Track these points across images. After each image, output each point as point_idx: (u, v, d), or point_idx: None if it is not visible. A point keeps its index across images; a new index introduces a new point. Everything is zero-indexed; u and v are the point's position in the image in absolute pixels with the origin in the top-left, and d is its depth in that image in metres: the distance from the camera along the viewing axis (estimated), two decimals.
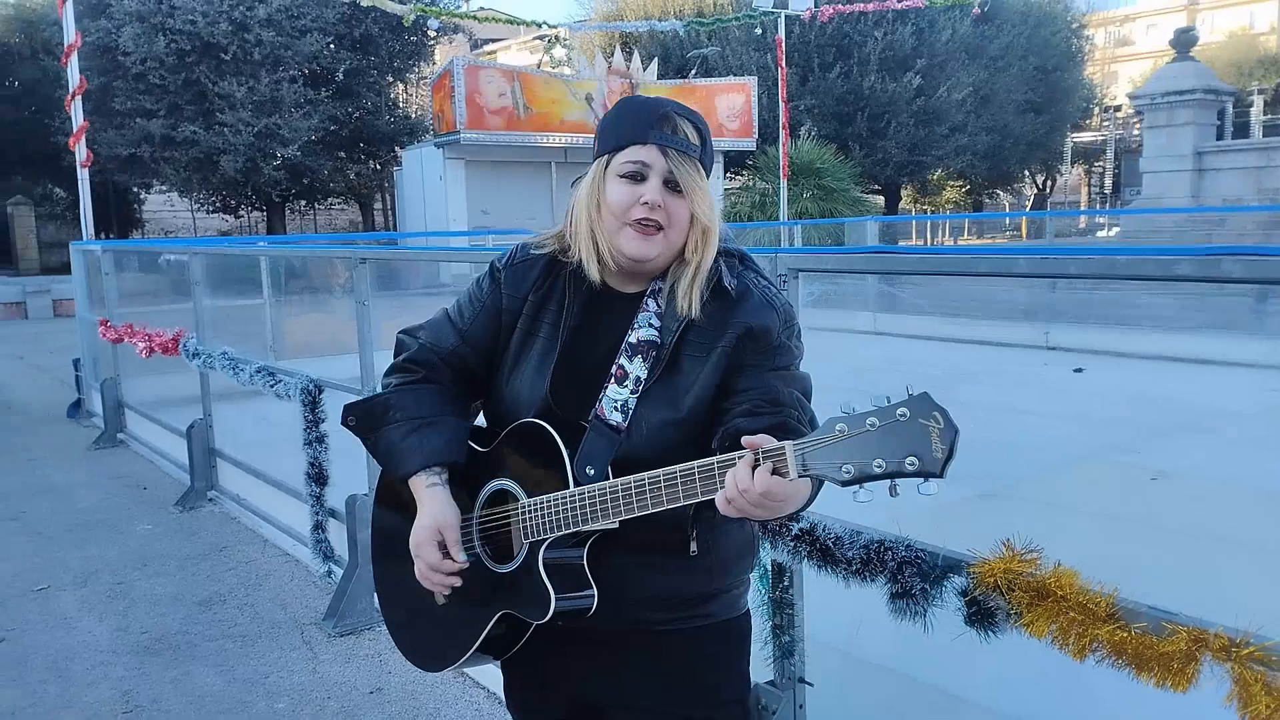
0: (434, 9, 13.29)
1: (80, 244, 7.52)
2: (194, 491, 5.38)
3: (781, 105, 13.79)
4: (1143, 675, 1.46)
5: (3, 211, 30.01)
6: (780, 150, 13.89)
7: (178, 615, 3.85)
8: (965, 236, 29.65)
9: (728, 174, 23.74)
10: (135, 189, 26.25)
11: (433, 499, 1.49)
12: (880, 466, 1.18)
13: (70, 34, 7.44)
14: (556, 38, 19.72)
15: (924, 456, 1.16)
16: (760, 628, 2.13)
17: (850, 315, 11.12)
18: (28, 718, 3.09)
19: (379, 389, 1.63)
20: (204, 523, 5.07)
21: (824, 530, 1.91)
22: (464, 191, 19.39)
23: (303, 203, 26.51)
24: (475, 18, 14.87)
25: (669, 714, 1.54)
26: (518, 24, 12.88)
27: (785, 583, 2.09)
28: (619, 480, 1.37)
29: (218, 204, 25.20)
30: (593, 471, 1.41)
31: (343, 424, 1.61)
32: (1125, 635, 1.48)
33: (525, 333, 1.53)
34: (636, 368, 1.46)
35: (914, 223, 26.30)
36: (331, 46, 22.55)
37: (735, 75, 22.59)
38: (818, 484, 1.36)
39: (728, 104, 21.63)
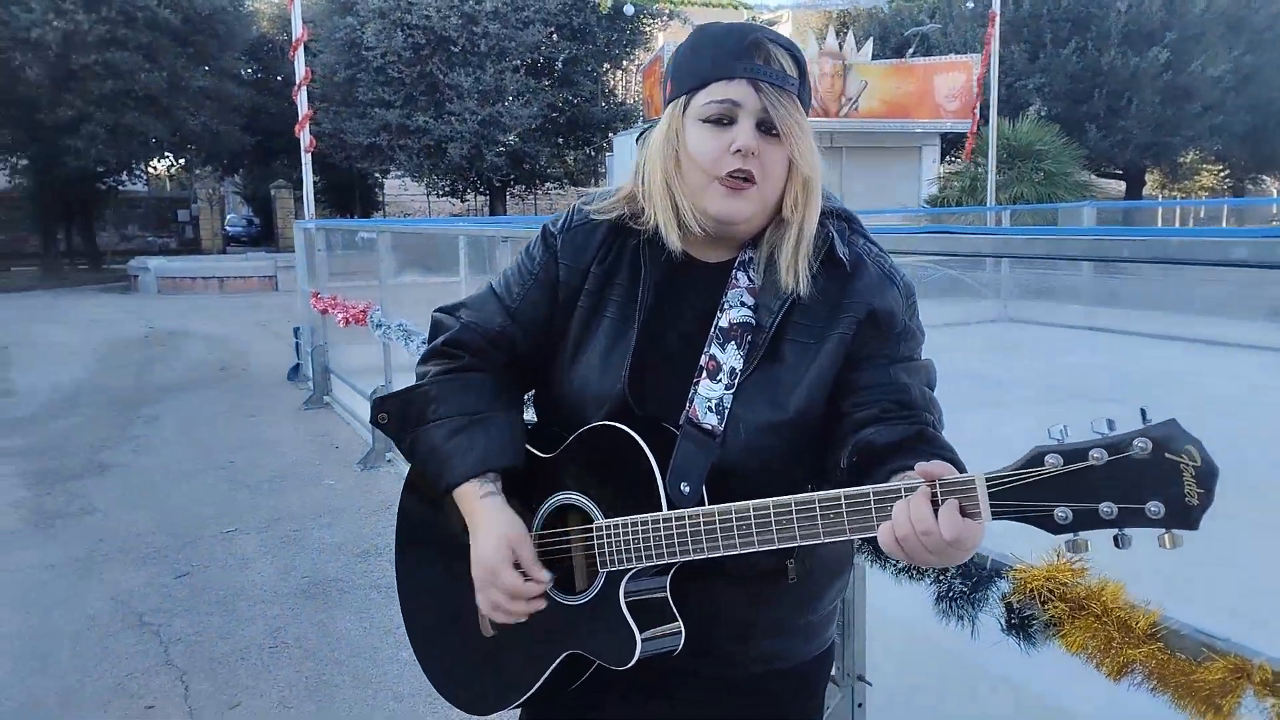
0: None
1: (302, 223, 8.22)
2: (374, 452, 5.78)
3: (992, 83, 13.00)
4: (1181, 704, 1.30)
5: (266, 194, 33.27)
6: (990, 131, 13.09)
7: (337, 564, 4.17)
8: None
9: (946, 158, 22.71)
10: (376, 174, 28.36)
11: (494, 511, 1.23)
12: (1109, 513, 0.93)
13: (297, 29, 8.11)
14: (754, 19, 19.48)
15: (1172, 502, 0.91)
16: None
17: (1058, 308, 10.43)
18: (190, 644, 3.45)
19: (415, 379, 1.34)
20: (379, 482, 5.44)
21: None
22: None
23: (522, 188, 27.66)
24: (671, 2, 14.89)
25: None
26: (715, 6, 12.74)
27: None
28: (732, 506, 1.11)
29: (446, 188, 26.76)
30: (688, 489, 1.16)
31: (372, 422, 1.35)
32: (1164, 659, 1.32)
33: (589, 311, 1.27)
34: (730, 357, 1.20)
35: (1156, 210, 24.16)
36: (553, 36, 23.43)
37: (958, 53, 21.54)
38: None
39: (948, 83, 20.67)
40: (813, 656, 1.32)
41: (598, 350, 1.26)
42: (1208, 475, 0.90)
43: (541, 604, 1.21)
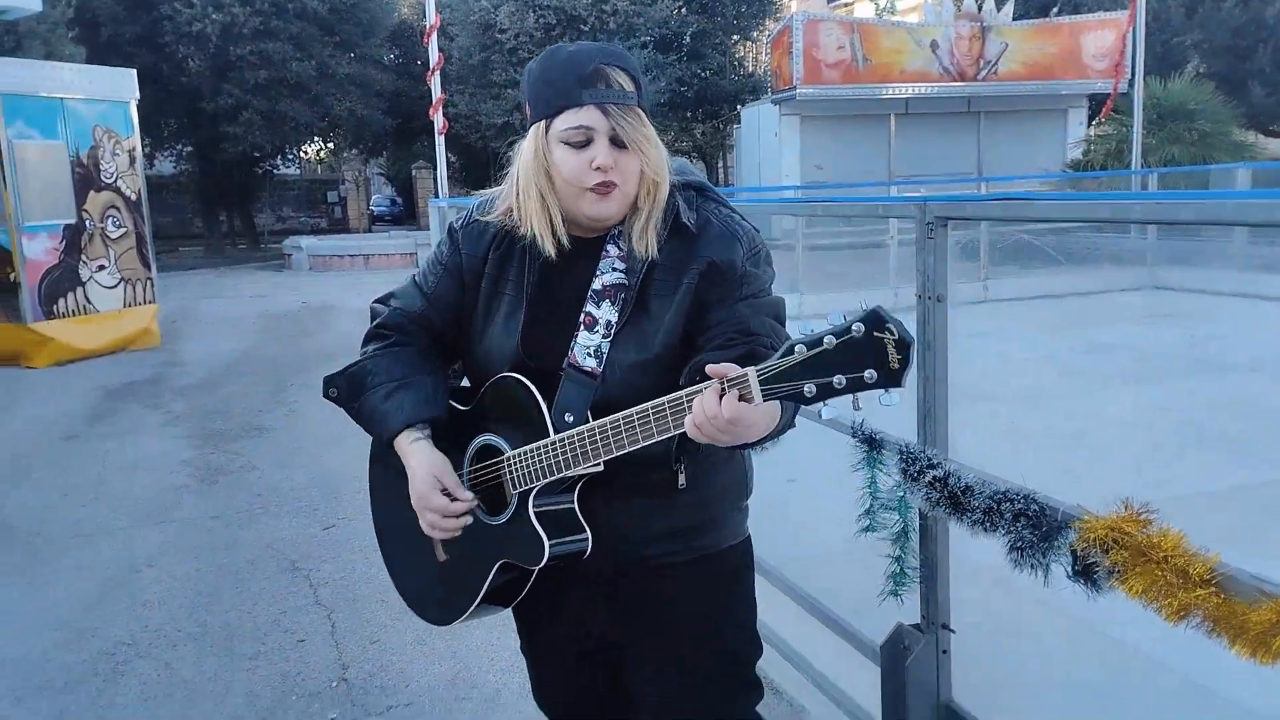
0: None
1: (436, 201, 8.61)
2: None
3: (1139, 40, 12.33)
4: (1234, 646, 1.35)
5: (408, 175, 34.56)
6: (1136, 90, 12.43)
7: None
8: None
9: (1094, 121, 21.64)
10: (509, 153, 29.05)
11: (421, 452, 1.51)
12: (841, 383, 1.19)
13: (430, 16, 8.46)
14: None
15: (881, 368, 1.18)
16: (902, 571, 2.15)
17: (1211, 275, 9.92)
18: (336, 586, 3.78)
19: (358, 357, 1.61)
20: None
21: (956, 480, 1.89)
22: (798, 147, 19.42)
23: None
24: None
25: (682, 640, 1.57)
26: None
27: (929, 529, 2.08)
28: (595, 423, 1.38)
29: None
30: (571, 419, 1.42)
31: (325, 396, 1.61)
32: (1219, 602, 1.37)
33: (490, 291, 1.53)
34: (605, 312, 1.46)
35: None
36: (681, 10, 23.43)
37: (1108, 10, 20.45)
38: (793, 407, 1.36)
39: (1096, 42, 19.73)
40: (727, 546, 1.61)
41: (499, 320, 1.53)
42: (905, 345, 1.17)
43: (468, 520, 1.50)
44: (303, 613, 3.59)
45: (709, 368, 1.26)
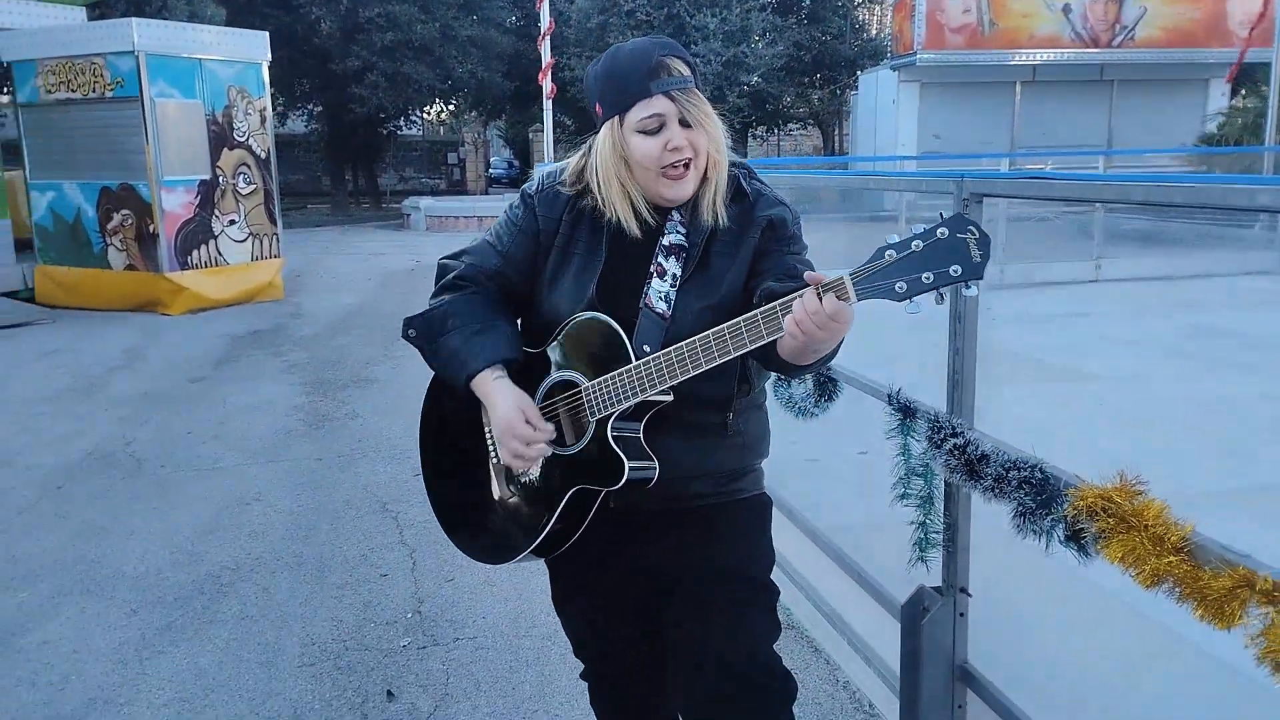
0: None
1: (543, 165, 8.86)
2: None
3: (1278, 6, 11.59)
4: (1197, 611, 1.41)
5: (525, 138, 35.13)
6: (1275, 59, 11.69)
7: None
8: None
9: (1238, 92, 20.40)
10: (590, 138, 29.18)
11: (504, 389, 1.63)
12: (929, 279, 1.33)
13: None
14: None
15: (965, 264, 1.32)
16: (927, 536, 2.23)
17: None
18: (420, 528, 4.05)
19: (430, 305, 1.72)
20: None
21: (974, 449, 1.96)
22: (916, 115, 18.96)
23: (764, 129, 27.56)
24: None
25: (720, 575, 1.70)
26: None
27: (952, 495, 2.16)
28: (681, 343, 1.49)
29: None
30: (649, 349, 1.56)
31: (403, 336, 1.72)
32: (1188, 569, 1.43)
33: (562, 251, 1.68)
34: (672, 266, 1.62)
35: None
36: None
37: None
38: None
39: (1244, 6, 18.54)
40: (758, 492, 1.80)
41: (570, 275, 1.67)
42: (985, 242, 1.32)
43: (548, 450, 1.62)
44: (388, 550, 3.87)
45: (807, 275, 1.40)
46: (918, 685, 2.23)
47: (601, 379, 1.58)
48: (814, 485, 4.04)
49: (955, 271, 1.31)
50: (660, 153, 1.56)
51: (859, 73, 23.04)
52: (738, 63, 21.98)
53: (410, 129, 32.41)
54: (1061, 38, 18.65)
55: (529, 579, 3.46)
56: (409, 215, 21.19)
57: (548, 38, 8.71)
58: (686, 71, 1.58)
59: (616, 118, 1.58)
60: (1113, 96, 19.68)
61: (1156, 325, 7.72)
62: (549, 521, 1.63)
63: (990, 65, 18.67)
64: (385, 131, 28.38)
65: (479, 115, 33.00)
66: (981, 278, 1.32)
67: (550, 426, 1.62)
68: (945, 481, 2.17)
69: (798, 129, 29.93)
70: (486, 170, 36.78)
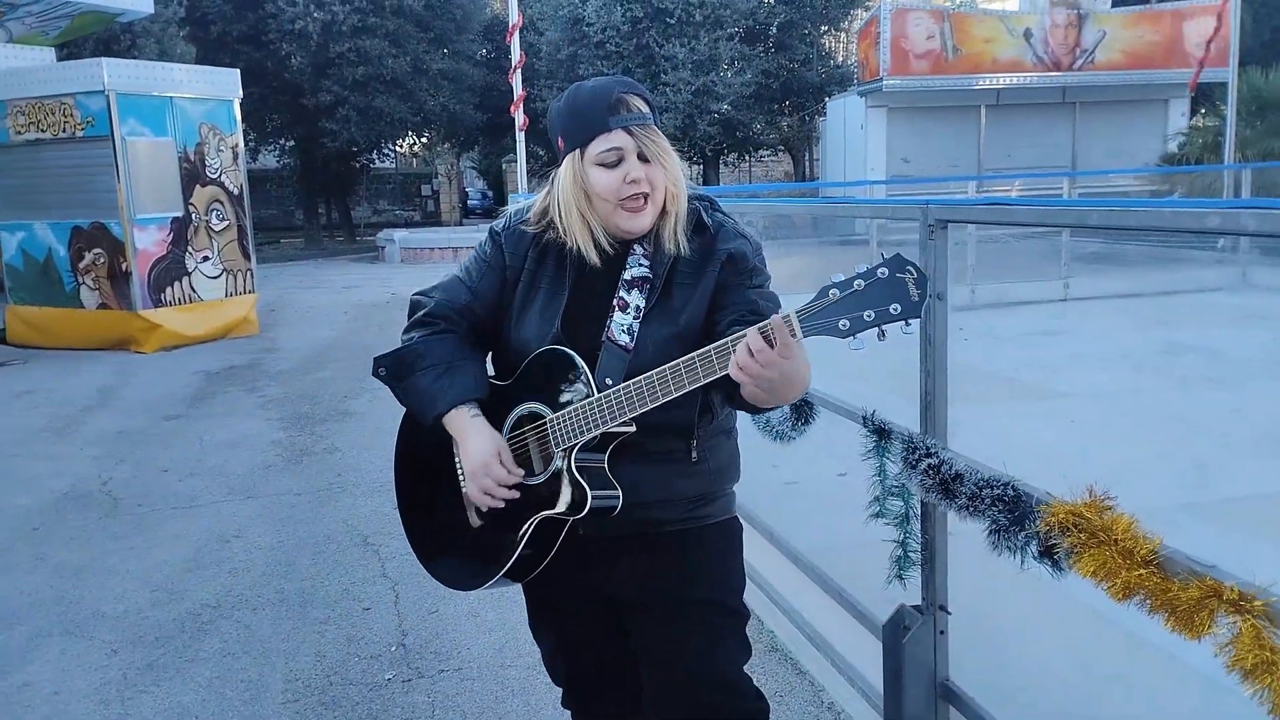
0: None
1: (515, 196, 8.92)
2: None
3: (1234, 25, 11.88)
4: (1168, 623, 1.46)
5: (499, 169, 35.25)
6: (1230, 81, 11.98)
7: None
8: None
9: (1197, 112, 20.83)
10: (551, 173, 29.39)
11: (479, 428, 1.68)
12: (870, 317, 1.39)
13: (514, 15, 8.74)
14: None
15: (905, 302, 1.38)
16: (905, 554, 2.27)
17: None
18: (402, 561, 4.04)
19: (401, 344, 1.77)
20: None
21: (948, 468, 2.00)
22: (884, 140, 19.20)
23: (735, 155, 27.83)
24: None
25: (686, 600, 1.74)
26: None
27: (929, 515, 2.20)
28: (639, 377, 1.55)
29: None
30: (611, 382, 1.61)
31: (374, 375, 1.77)
32: (1157, 581, 1.48)
33: (528, 286, 1.73)
34: (635, 298, 1.66)
35: None
36: (768, 1, 23.35)
37: None
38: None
39: (1200, 29, 18.92)
40: (726, 518, 1.82)
41: (536, 309, 1.73)
42: (922, 281, 1.39)
43: (515, 494, 1.67)
44: (370, 583, 3.87)
45: (774, 318, 1.43)
46: (901, 704, 2.26)
47: (565, 411, 1.64)
48: (794, 507, 4.08)
49: (895, 309, 1.38)
50: (619, 185, 1.62)
51: (827, 99, 23.34)
52: (707, 91, 22.23)
53: (384, 162, 32.46)
54: (1024, 62, 19.00)
55: (513, 609, 3.46)
56: (384, 248, 21.18)
57: (519, 70, 8.79)
58: (645, 109, 1.64)
59: (577, 151, 1.64)
60: (1075, 118, 20.05)
61: (1126, 342, 7.85)
62: (517, 549, 1.68)
63: (955, 90, 18.97)
64: (358, 165, 28.40)
65: (452, 147, 33.11)
66: (919, 316, 1.39)
67: (520, 470, 1.67)
68: (921, 501, 2.22)
69: (769, 155, 30.25)
70: (461, 201, 36.84)
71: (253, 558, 4.18)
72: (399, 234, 21.75)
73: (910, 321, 1.39)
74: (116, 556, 4.27)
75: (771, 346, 1.40)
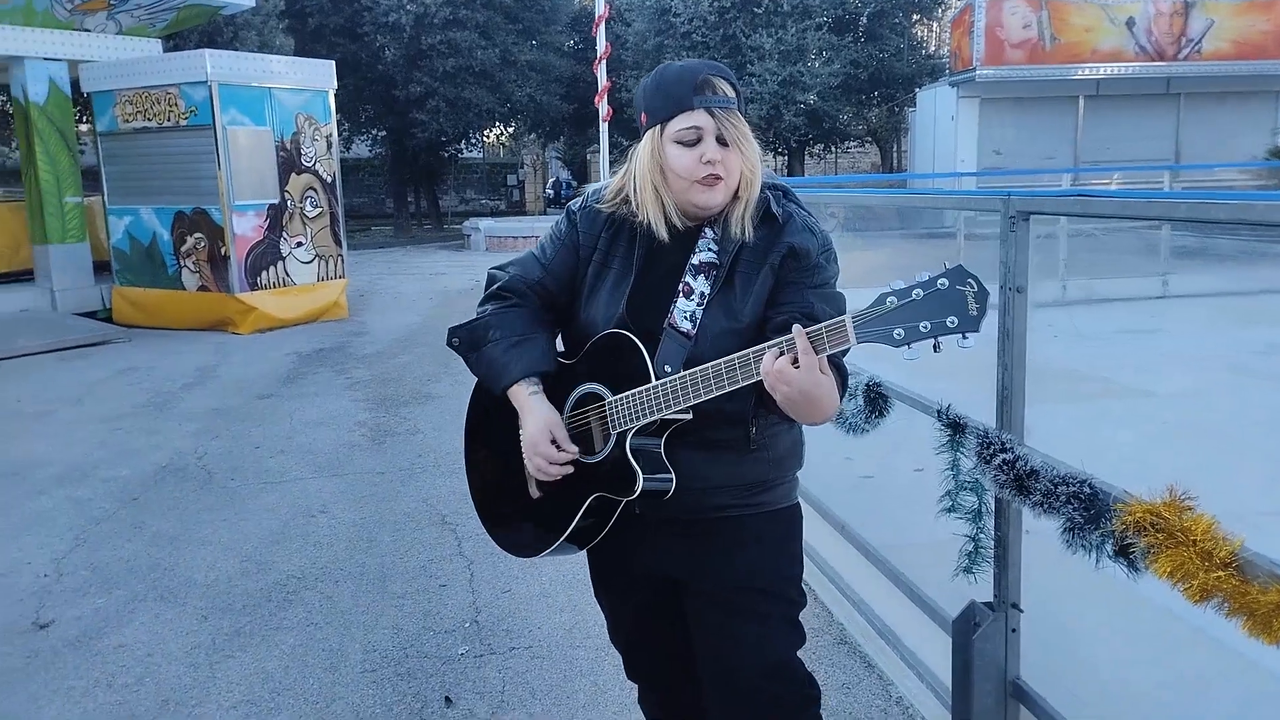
0: None
1: (594, 185, 8.99)
2: None
3: None
4: (1245, 626, 1.41)
5: (583, 159, 35.46)
6: None
7: None
8: None
9: None
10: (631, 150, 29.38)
11: (537, 404, 1.72)
12: (926, 328, 1.37)
13: (600, 6, 8.79)
14: None
15: (962, 315, 1.36)
16: (977, 550, 2.24)
17: None
18: (478, 541, 4.14)
19: (476, 315, 1.81)
20: None
21: (1023, 464, 1.97)
22: (976, 131, 18.76)
23: (821, 146, 27.49)
24: None
25: (738, 586, 1.75)
26: None
27: (1003, 510, 2.16)
28: (694, 369, 1.56)
29: None
30: (670, 369, 1.62)
31: (448, 344, 1.82)
32: (1236, 584, 1.43)
33: (600, 265, 1.75)
34: (700, 284, 1.67)
35: None
36: None
37: None
38: (842, 388, 1.57)
39: None
40: (784, 506, 1.81)
41: (606, 289, 1.74)
42: (982, 295, 1.36)
43: (570, 468, 1.70)
44: (447, 561, 3.96)
45: (795, 326, 1.45)
46: (969, 700, 2.23)
47: (623, 395, 1.65)
48: (869, 501, 4.04)
49: (952, 323, 1.36)
50: (695, 165, 1.61)
51: (917, 89, 22.88)
52: (794, 81, 22.00)
53: (471, 151, 32.95)
54: (1125, 51, 18.35)
55: (584, 591, 3.51)
56: (469, 236, 21.52)
57: (604, 61, 8.84)
58: (731, 93, 1.63)
59: (658, 127, 1.65)
60: (1179, 110, 19.28)
61: (1223, 341, 7.54)
62: (572, 522, 1.72)
63: (1052, 80, 18.42)
64: (446, 154, 28.89)
65: (537, 137, 33.43)
66: (978, 330, 1.36)
67: (574, 448, 1.70)
68: (995, 497, 2.18)
69: (855, 146, 29.80)
70: (546, 191, 37.23)
71: (336, 533, 4.32)
72: (484, 223, 22.07)
73: (968, 335, 1.36)
74: (209, 527, 4.45)
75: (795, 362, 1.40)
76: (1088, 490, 1.78)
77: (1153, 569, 1.58)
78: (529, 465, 1.74)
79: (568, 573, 3.73)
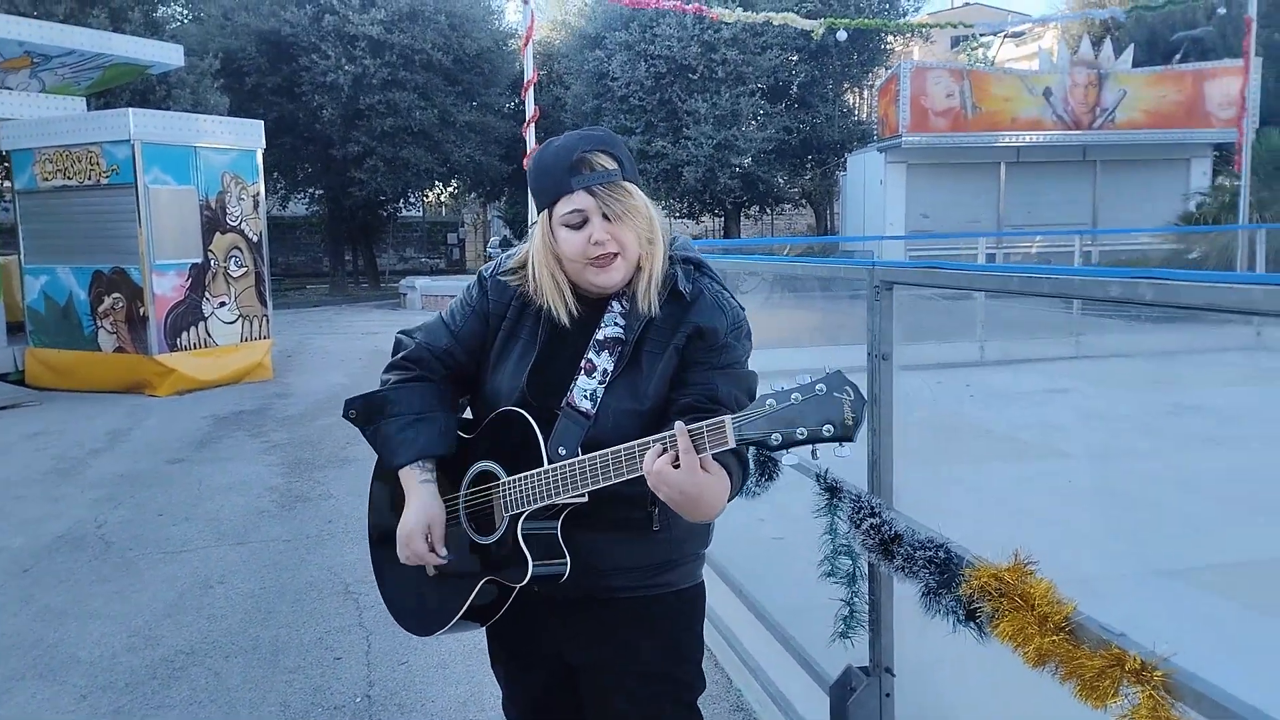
0: (842, 20, 13.45)
1: (509, 251, 9.01)
2: None
3: (1249, 92, 11.90)
4: (1076, 690, 1.42)
5: (525, 218, 35.60)
6: (1244, 142, 11.95)
7: None
8: None
9: (1221, 171, 20.74)
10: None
11: (422, 494, 1.67)
12: (802, 434, 1.35)
13: (529, 72, 8.89)
14: (974, 36, 18.79)
15: (838, 423, 1.34)
16: (851, 614, 2.24)
17: None
18: (380, 610, 4.01)
19: (379, 385, 1.78)
20: None
21: (888, 528, 1.98)
22: (903, 195, 19.25)
23: (756, 208, 27.99)
24: (884, 25, 14.72)
25: (636, 671, 1.71)
26: (931, 29, 12.49)
27: (876, 575, 2.17)
28: (585, 456, 1.52)
29: (683, 210, 27.62)
30: (564, 452, 1.57)
31: (344, 416, 1.77)
32: (1069, 649, 1.44)
33: (508, 335, 1.71)
34: (604, 361, 1.62)
35: None
36: (791, 59, 23.64)
37: (1234, 58, 19.67)
38: (739, 480, 1.56)
39: (1221, 90, 18.99)
40: (687, 586, 1.77)
41: (512, 361, 1.70)
42: (859, 404, 1.36)
43: (444, 561, 1.68)
44: (345, 633, 3.85)
45: (677, 424, 1.42)
46: None
47: (515, 477, 1.61)
48: (777, 563, 4.03)
49: (828, 431, 1.34)
50: (585, 246, 1.58)
51: (847, 154, 23.47)
52: (729, 145, 22.43)
53: (410, 210, 32.91)
54: (1044, 120, 19.06)
55: (482, 661, 3.41)
56: (405, 294, 21.38)
57: (533, 125, 8.92)
58: (611, 165, 1.59)
59: (547, 211, 1.62)
60: (1096, 176, 20.01)
61: (1132, 401, 7.75)
62: (464, 604, 1.67)
63: (975, 147, 19.03)
64: (385, 213, 28.80)
65: (478, 197, 33.52)
66: (853, 439, 1.34)
67: (445, 554, 1.68)
68: (869, 561, 2.19)
69: (791, 208, 30.38)
70: (486, 250, 37.25)
71: (232, 604, 4.18)
72: (420, 281, 21.97)
73: (844, 444, 1.34)
74: (100, 600, 4.28)
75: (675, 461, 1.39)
76: (943, 555, 1.80)
77: (995, 632, 1.59)
78: (399, 553, 1.69)
79: (468, 642, 3.65)
